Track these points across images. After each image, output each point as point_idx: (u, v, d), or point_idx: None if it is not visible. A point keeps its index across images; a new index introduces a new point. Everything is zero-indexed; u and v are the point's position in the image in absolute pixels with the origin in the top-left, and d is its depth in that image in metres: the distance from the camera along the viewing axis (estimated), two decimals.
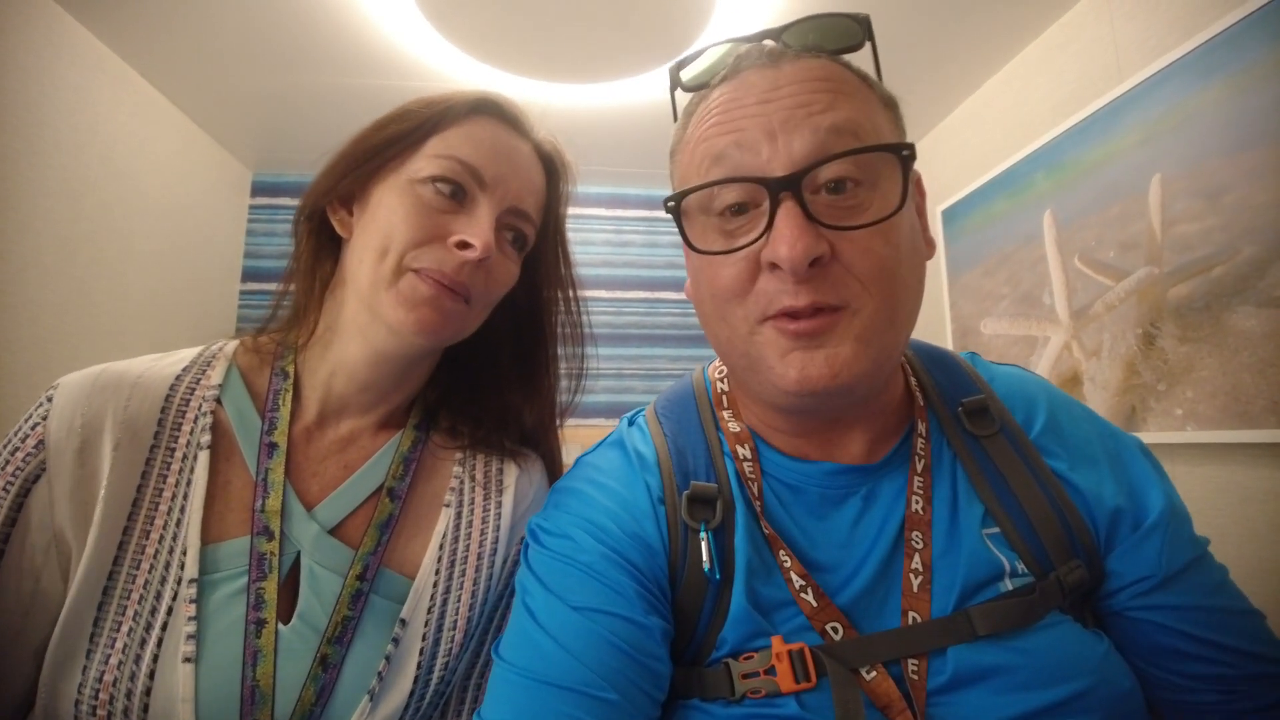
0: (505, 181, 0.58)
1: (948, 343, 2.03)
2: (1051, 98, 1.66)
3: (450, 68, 1.83)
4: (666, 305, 2.69)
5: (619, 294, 2.68)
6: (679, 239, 0.50)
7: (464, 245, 0.55)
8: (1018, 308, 1.73)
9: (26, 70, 1.50)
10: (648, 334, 2.67)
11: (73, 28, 1.64)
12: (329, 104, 2.03)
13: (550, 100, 1.98)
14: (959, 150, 2.05)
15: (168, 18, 1.63)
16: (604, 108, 2.08)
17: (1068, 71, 1.61)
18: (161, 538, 0.51)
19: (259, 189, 2.57)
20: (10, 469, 0.50)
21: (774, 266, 0.44)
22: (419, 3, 1.55)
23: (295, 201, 3.06)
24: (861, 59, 0.50)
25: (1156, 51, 1.35)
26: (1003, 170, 1.78)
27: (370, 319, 0.57)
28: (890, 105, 0.50)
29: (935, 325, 2.08)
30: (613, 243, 2.71)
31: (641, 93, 1.99)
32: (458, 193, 0.57)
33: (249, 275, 2.52)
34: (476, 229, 0.55)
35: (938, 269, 2.05)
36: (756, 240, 0.44)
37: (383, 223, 0.56)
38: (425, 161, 0.57)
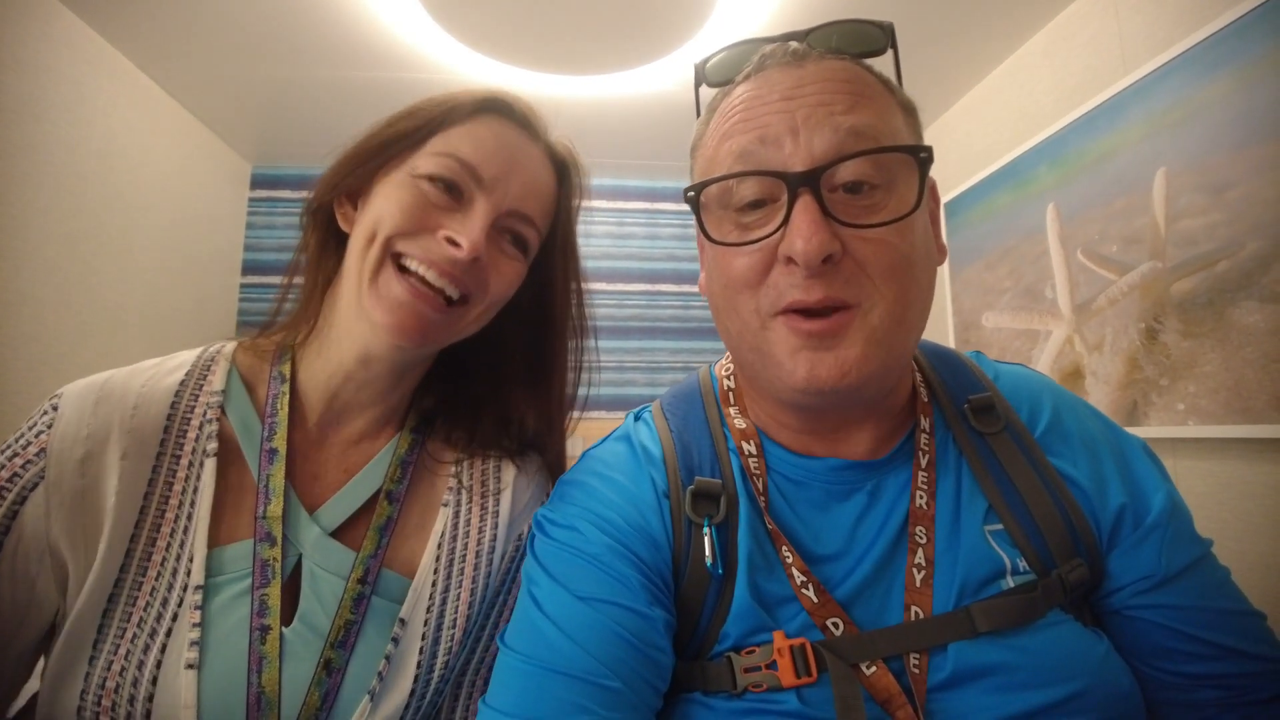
0: (505, 182, 0.57)
1: (949, 336, 2.02)
2: (1055, 90, 1.65)
3: (450, 60, 1.82)
4: (667, 298, 2.69)
5: (620, 286, 2.67)
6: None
7: (452, 243, 0.54)
8: (1020, 301, 1.72)
9: (24, 65, 1.49)
10: (649, 327, 2.67)
11: (71, 22, 1.62)
12: (328, 97, 2.02)
13: (550, 92, 1.98)
14: (961, 143, 2.04)
15: (166, 11, 1.61)
16: (605, 99, 2.07)
17: (1072, 64, 1.60)
18: (169, 545, 0.51)
19: (258, 182, 2.57)
20: (6, 473, 0.49)
21: (788, 261, 0.44)
22: None
23: (295, 194, 3.04)
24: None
25: (1162, 44, 1.34)
26: (1006, 163, 1.77)
27: (357, 316, 0.57)
28: (909, 111, 0.50)
29: (937, 318, 2.07)
30: (614, 235, 2.70)
31: (643, 84, 1.97)
32: (453, 190, 0.56)
33: (249, 268, 2.52)
34: (466, 228, 0.55)
35: None
36: (773, 234, 0.45)
37: (375, 209, 0.56)
38: (425, 159, 0.56)
